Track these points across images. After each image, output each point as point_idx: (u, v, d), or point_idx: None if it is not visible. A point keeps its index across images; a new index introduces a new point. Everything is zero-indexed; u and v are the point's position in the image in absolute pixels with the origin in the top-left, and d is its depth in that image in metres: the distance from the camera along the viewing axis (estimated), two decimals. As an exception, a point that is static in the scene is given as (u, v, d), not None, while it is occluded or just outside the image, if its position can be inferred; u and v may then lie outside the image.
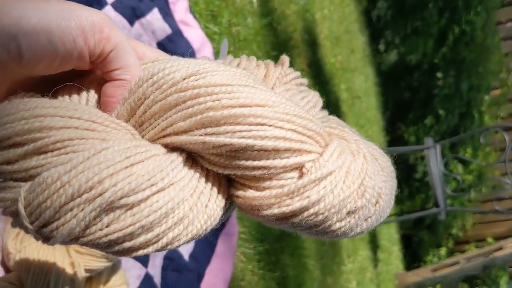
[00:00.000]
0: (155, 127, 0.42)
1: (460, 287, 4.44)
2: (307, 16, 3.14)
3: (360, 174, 0.44)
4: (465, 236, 4.85)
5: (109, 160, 0.37)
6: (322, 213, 0.43)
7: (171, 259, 1.45)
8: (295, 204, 0.43)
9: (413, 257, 4.71)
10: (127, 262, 1.27)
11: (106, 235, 0.38)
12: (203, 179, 0.44)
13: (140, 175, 0.38)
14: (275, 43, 2.49)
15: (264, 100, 0.41)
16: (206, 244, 1.59)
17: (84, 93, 0.44)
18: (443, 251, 4.71)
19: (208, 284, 1.54)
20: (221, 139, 0.40)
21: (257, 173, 0.43)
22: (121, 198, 0.37)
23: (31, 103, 0.39)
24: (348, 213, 0.44)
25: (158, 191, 0.39)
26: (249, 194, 0.44)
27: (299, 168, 0.43)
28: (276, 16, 2.59)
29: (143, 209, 0.39)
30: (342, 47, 3.73)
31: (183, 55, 0.48)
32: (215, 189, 0.45)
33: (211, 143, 0.41)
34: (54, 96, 0.43)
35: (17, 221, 0.39)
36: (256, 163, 0.42)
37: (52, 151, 0.38)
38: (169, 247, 0.42)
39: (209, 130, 0.41)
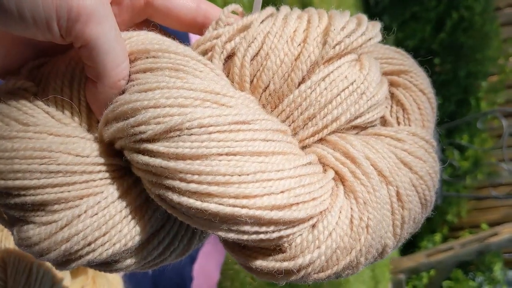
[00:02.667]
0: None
1: (454, 273, 4.46)
2: (304, -2, 3.09)
3: (351, 253, 0.38)
4: (460, 223, 4.85)
5: (87, 228, 0.38)
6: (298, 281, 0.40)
7: (163, 241, 1.42)
8: (258, 263, 0.39)
9: (407, 242, 4.69)
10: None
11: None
12: (180, 234, 0.44)
13: (118, 240, 0.40)
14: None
15: (239, 190, 0.35)
16: (199, 226, 1.56)
17: (75, 99, 0.42)
18: (437, 237, 4.72)
19: (201, 267, 1.52)
20: (184, 219, 0.38)
21: (230, 239, 0.39)
22: (98, 262, 0.41)
23: (10, 145, 0.38)
24: (335, 275, 0.40)
25: (134, 253, 0.42)
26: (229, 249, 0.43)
27: (278, 245, 0.39)
28: (272, -4, 2.53)
29: (117, 264, 0.42)
30: (339, 31, 3.67)
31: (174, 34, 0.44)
32: (188, 236, 0.45)
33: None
34: (46, 99, 0.41)
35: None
36: (230, 235, 0.38)
37: (33, 209, 0.38)
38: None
39: (173, 211, 0.39)
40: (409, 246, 4.67)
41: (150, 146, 0.36)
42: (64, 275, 0.89)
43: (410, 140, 0.43)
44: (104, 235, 0.38)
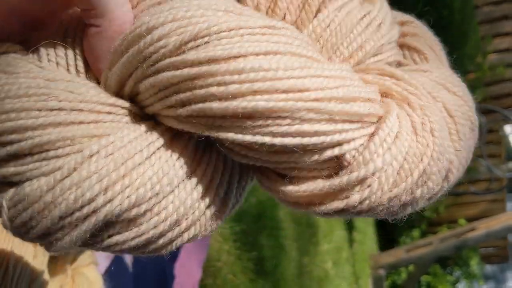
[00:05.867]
0: (153, 104, 0.34)
1: (433, 268, 4.53)
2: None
3: (423, 160, 0.34)
4: (438, 218, 4.93)
5: (101, 169, 0.30)
6: (366, 211, 0.34)
7: (144, 238, 1.39)
8: (328, 205, 0.34)
9: (386, 238, 4.77)
10: (97, 241, 1.22)
11: (108, 246, 0.33)
12: (220, 169, 0.36)
13: (142, 184, 0.31)
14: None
15: (289, 83, 0.30)
16: (181, 223, 1.54)
17: (70, 52, 0.35)
18: (416, 232, 4.79)
19: (183, 264, 1.50)
20: (230, 135, 0.31)
21: (280, 166, 0.34)
22: (120, 214, 0.31)
23: (1, 90, 0.32)
24: (403, 205, 0.35)
25: (165, 196, 0.33)
26: (272, 185, 0.36)
27: (338, 159, 0.34)
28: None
29: (149, 220, 0.32)
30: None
31: None
32: (235, 177, 0.37)
33: (218, 138, 0.32)
34: (37, 52, 0.35)
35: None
36: (277, 158, 0.33)
37: (32, 155, 0.31)
38: (184, 243, 0.36)
39: (213, 122, 0.32)
40: (388, 242, 4.73)
41: (173, 59, 0.31)
42: (42, 273, 0.86)
43: (437, 72, 0.40)
44: (123, 177, 0.31)
